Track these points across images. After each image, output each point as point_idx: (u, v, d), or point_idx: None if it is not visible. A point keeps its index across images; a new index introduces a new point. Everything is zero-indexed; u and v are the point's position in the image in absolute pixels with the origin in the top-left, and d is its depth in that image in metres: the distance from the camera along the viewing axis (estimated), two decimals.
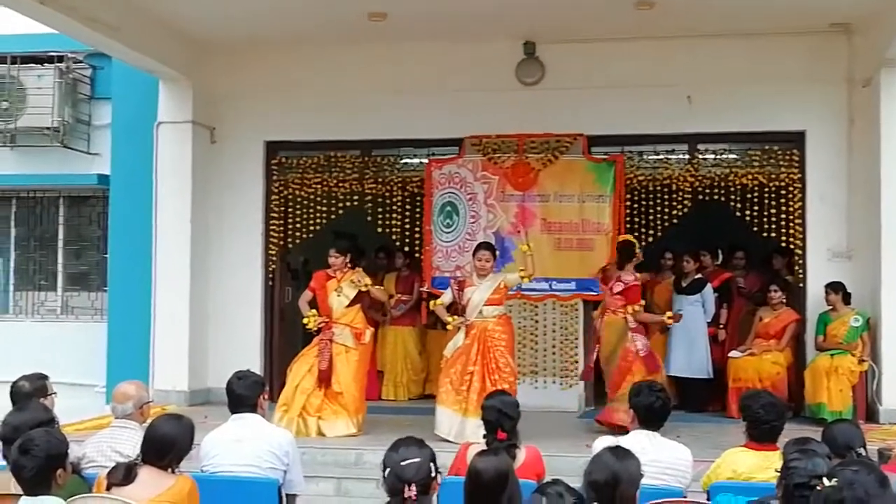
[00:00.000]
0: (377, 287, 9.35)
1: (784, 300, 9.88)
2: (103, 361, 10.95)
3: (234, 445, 4.96)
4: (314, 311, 8.86)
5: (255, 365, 9.99)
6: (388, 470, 3.64)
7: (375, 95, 10.57)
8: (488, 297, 8.37)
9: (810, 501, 3.11)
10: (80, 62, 11.76)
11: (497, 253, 8.81)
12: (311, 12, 9.56)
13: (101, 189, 11.62)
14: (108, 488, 4.15)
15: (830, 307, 9.56)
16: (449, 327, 8.65)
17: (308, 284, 9.14)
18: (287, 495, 5.02)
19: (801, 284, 10.01)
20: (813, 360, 9.51)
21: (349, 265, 8.91)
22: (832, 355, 9.32)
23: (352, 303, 8.84)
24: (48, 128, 11.50)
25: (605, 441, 4.75)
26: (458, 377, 8.31)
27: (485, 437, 4.84)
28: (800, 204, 9.96)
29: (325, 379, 8.68)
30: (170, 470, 4.31)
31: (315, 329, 8.84)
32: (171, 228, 10.56)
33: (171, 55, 10.23)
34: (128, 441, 4.84)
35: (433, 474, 3.67)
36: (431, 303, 8.98)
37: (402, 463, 3.61)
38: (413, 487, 3.55)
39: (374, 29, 9.79)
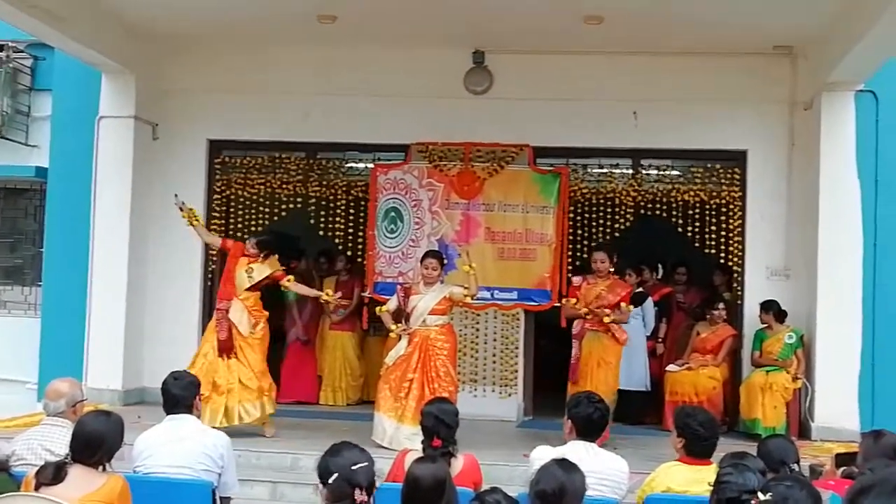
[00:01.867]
0: (289, 278, 9.18)
1: (725, 317, 10.02)
2: (36, 358, 10.72)
3: (168, 446, 4.89)
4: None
5: None
6: (336, 475, 3.57)
7: (322, 98, 10.52)
8: (433, 307, 8.36)
9: None
10: (21, 52, 11.51)
11: (445, 262, 8.82)
12: (261, 11, 9.47)
13: (38, 182, 11.38)
14: (37, 487, 4.05)
15: (766, 325, 9.72)
16: (391, 335, 8.62)
17: (225, 243, 9.27)
18: (221, 498, 4.94)
19: (738, 301, 10.15)
20: (748, 377, 9.64)
21: (262, 258, 8.90)
22: (767, 372, 9.46)
23: (253, 287, 8.82)
24: None
25: (542, 451, 4.76)
26: (397, 384, 8.28)
27: (422, 443, 4.82)
28: (740, 222, 10.10)
29: (226, 349, 8.67)
30: (101, 469, 4.23)
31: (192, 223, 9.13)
32: (109, 224, 10.37)
33: (115, 48, 10.03)
34: (59, 439, 4.73)
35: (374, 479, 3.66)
36: (377, 308, 8.93)
37: (354, 467, 3.57)
38: (363, 492, 3.52)
39: (323, 31, 9.74)
